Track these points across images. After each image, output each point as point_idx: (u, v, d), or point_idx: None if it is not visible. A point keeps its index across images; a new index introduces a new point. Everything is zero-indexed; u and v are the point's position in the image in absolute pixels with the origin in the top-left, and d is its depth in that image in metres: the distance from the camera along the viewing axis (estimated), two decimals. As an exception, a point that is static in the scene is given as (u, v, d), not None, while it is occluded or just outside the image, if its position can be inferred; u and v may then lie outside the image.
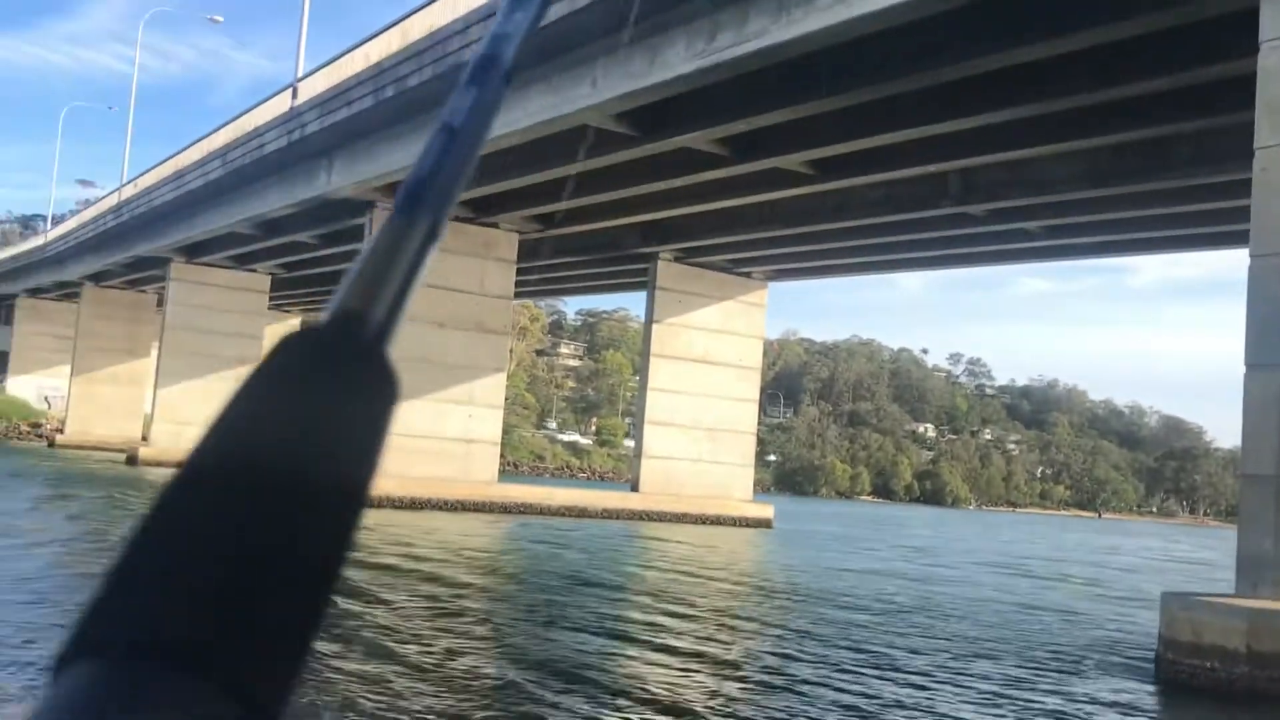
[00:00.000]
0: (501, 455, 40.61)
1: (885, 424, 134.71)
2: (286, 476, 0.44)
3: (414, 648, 11.64)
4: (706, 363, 42.47)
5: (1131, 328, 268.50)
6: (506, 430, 44.33)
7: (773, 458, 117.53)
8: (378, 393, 0.49)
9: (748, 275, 43.55)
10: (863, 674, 12.29)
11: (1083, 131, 22.35)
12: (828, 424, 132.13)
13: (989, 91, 20.80)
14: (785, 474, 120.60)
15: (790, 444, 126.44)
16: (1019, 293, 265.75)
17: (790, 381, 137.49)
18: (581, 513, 38.32)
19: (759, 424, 46.30)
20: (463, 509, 35.21)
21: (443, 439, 36.92)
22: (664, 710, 9.76)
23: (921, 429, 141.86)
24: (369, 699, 9.04)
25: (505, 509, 36.70)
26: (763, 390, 46.38)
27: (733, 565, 26.62)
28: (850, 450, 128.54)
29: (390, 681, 9.80)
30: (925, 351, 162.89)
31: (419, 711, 8.76)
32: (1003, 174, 26.96)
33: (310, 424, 0.46)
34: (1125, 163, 24.12)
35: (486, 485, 37.65)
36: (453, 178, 0.58)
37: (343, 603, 14.32)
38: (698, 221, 35.70)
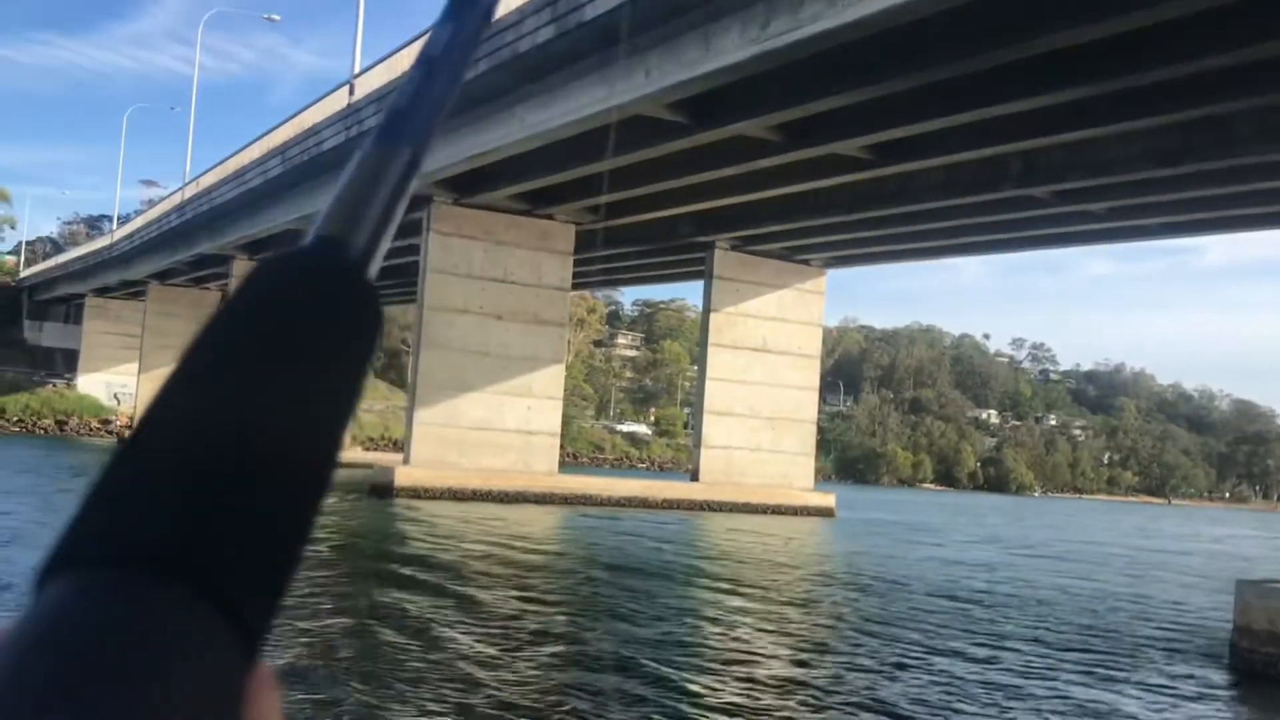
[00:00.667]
0: (561, 446, 40.69)
1: (947, 411, 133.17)
2: (275, 390, 0.45)
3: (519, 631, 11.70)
4: (765, 351, 42.21)
5: (1199, 309, 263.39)
6: (565, 421, 44.45)
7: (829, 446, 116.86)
8: (360, 312, 0.50)
9: (805, 262, 43.19)
10: (959, 660, 12.36)
11: (1145, 110, 21.81)
12: (889, 411, 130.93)
13: (1050, 72, 20.36)
14: (846, 462, 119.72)
15: (851, 432, 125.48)
16: (1083, 276, 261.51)
17: (850, 369, 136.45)
18: (642, 503, 38.30)
19: (819, 412, 45.93)
20: (523, 500, 35.33)
21: (503, 430, 37.10)
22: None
23: (985, 415, 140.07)
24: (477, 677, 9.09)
25: (566, 500, 36.78)
26: (822, 378, 46.00)
27: (804, 553, 26.49)
28: (912, 438, 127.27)
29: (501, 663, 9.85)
30: (987, 337, 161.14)
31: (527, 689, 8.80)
32: (1065, 155, 26.43)
33: (297, 339, 0.46)
34: (1189, 141, 23.54)
35: (546, 476, 37.76)
36: (432, 109, 0.58)
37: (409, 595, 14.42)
38: (754, 209, 35.43)
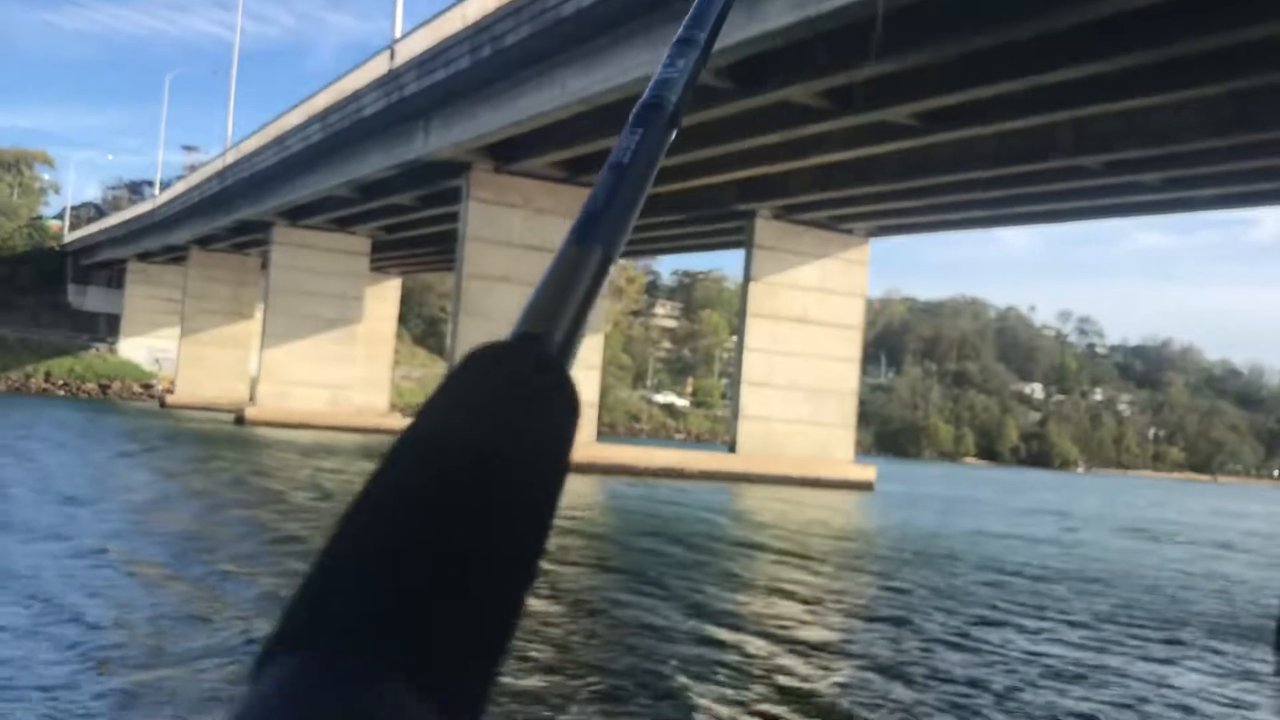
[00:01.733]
0: (598, 416, 40.45)
1: (991, 384, 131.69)
2: (483, 481, 0.45)
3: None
4: (806, 322, 41.67)
5: (1251, 284, 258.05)
6: (603, 391, 44.19)
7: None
8: (560, 404, 0.52)
9: (849, 232, 42.53)
10: (1029, 638, 12.17)
11: (1200, 79, 21.13)
12: (931, 384, 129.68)
13: (1104, 39, 19.73)
14: (886, 435, 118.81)
15: (892, 404, 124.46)
16: (1132, 248, 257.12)
17: (892, 341, 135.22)
18: (679, 474, 38.00)
19: (860, 384, 45.37)
20: (561, 470, 35.07)
21: (540, 400, 36.90)
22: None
23: (1029, 389, 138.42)
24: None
25: (604, 470, 36.56)
26: (864, 350, 45.40)
27: (848, 526, 26.12)
28: (954, 411, 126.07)
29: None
30: (1033, 309, 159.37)
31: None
32: (1118, 125, 25.72)
33: (503, 431, 0.48)
34: (1244, 110, 22.85)
35: (585, 446, 37.50)
36: (623, 211, 0.62)
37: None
38: (797, 177, 34.84)
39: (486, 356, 0.52)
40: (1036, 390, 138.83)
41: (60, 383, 69.79)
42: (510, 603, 0.43)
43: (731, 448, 41.07)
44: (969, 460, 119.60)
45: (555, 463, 0.49)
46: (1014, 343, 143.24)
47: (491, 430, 0.48)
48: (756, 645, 10.97)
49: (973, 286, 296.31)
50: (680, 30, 0.70)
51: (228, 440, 39.34)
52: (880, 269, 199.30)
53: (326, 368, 54.88)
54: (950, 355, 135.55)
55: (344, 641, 0.39)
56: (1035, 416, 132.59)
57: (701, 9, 0.71)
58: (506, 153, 34.95)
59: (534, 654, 9.45)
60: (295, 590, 0.41)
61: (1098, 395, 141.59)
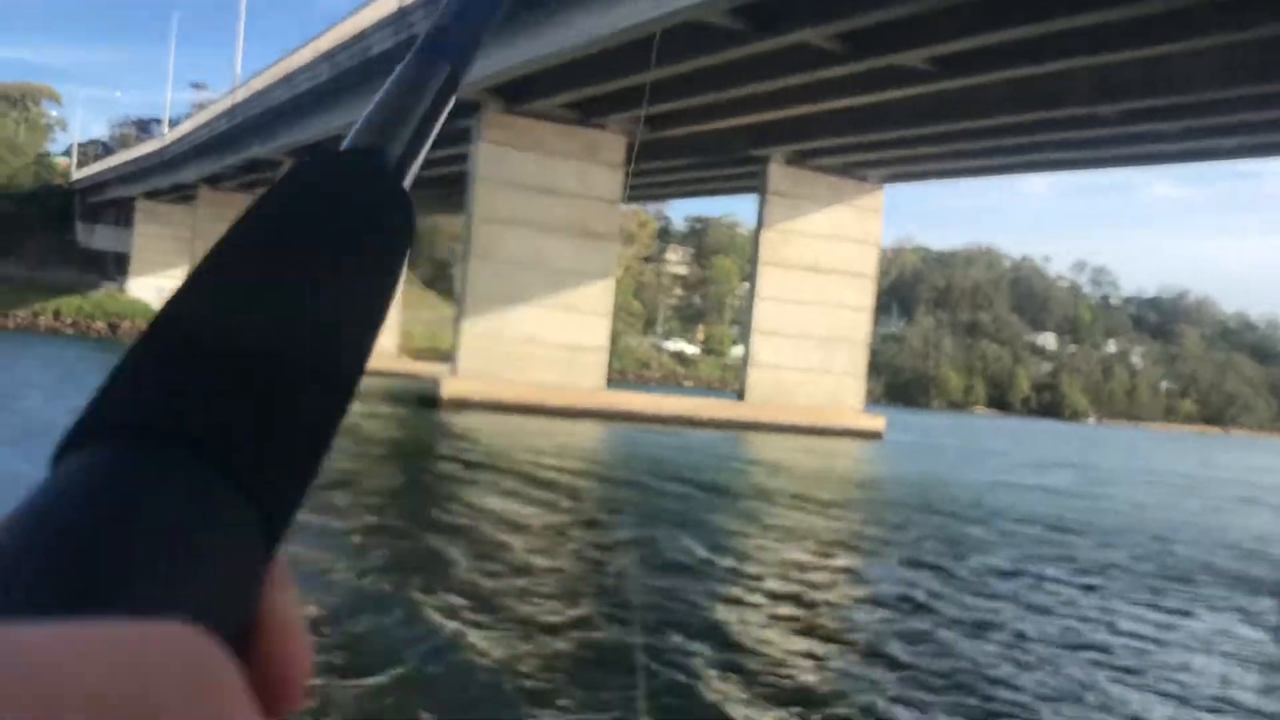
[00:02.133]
0: (608, 362, 40.32)
1: (1003, 335, 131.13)
2: (306, 285, 0.43)
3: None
4: (818, 270, 41.36)
5: (1269, 236, 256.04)
6: (613, 337, 43.98)
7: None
8: (395, 218, 0.49)
9: (863, 178, 42.06)
10: (1040, 584, 12.13)
11: (1221, 27, 20.67)
12: (943, 334, 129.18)
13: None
14: (897, 385, 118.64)
15: (903, 354, 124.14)
16: (1148, 199, 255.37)
17: (905, 290, 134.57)
18: (688, 421, 37.90)
19: (871, 334, 45.13)
20: (569, 415, 35.06)
21: (550, 345, 36.76)
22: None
23: (1041, 340, 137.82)
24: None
25: (611, 416, 36.48)
26: (876, 299, 45.10)
27: (858, 474, 26.06)
28: (965, 361, 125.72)
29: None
30: (1048, 259, 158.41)
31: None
32: (1135, 72, 25.28)
33: (331, 238, 0.45)
34: (1266, 60, 22.37)
35: (593, 392, 37.44)
36: (475, 28, 0.58)
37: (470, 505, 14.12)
38: (812, 122, 34.34)
39: (315, 165, 0.48)
40: (1049, 341, 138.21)
41: (69, 321, 69.89)
42: (327, 413, 0.41)
43: (741, 396, 40.97)
44: (979, 410, 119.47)
45: (383, 278, 0.47)
46: (1028, 293, 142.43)
47: (318, 238, 0.45)
48: (773, 585, 10.99)
49: (988, 235, 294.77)
50: None
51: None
52: (894, 217, 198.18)
53: (335, 309, 54.71)
54: (963, 305, 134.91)
55: (150, 430, 0.37)
56: (1047, 368, 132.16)
57: None
58: (517, 93, 34.49)
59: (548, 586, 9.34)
60: (101, 382, 0.38)
61: (1111, 347, 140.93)
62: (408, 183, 0.51)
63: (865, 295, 43.54)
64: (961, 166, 39.70)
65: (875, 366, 66.75)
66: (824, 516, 17.23)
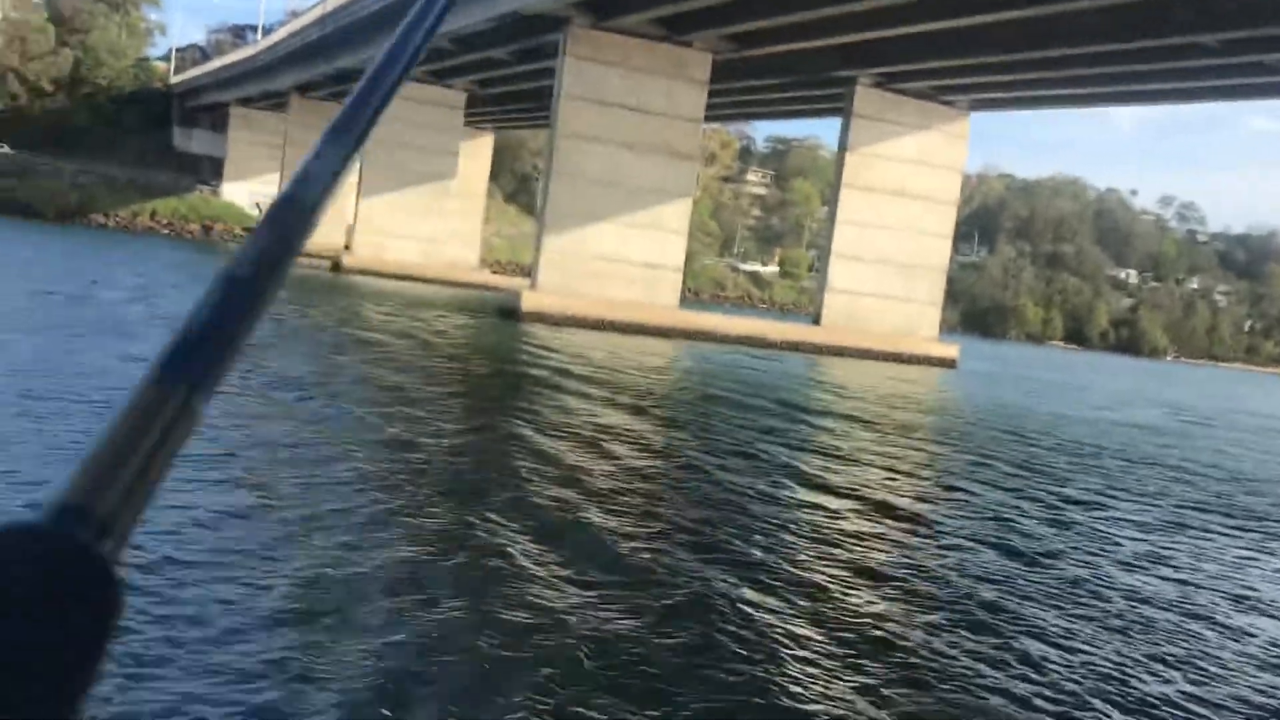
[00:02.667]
0: (683, 282, 40.78)
1: (1085, 268, 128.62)
2: None
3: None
4: (900, 195, 41.23)
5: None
6: (689, 257, 44.28)
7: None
8: (93, 612, 0.42)
9: (950, 104, 41.62)
10: (1114, 519, 12.21)
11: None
12: (1023, 264, 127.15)
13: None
14: (974, 314, 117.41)
15: (981, 283, 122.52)
16: (1243, 133, 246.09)
17: (986, 219, 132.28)
18: (761, 342, 38.36)
19: (950, 262, 44.96)
20: (643, 332, 35.71)
21: (628, 262, 37.30)
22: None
23: (1123, 275, 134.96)
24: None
25: (686, 334, 37.04)
26: (957, 226, 44.83)
27: (935, 401, 26.36)
28: (1044, 293, 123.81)
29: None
30: (1134, 193, 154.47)
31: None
32: (1236, 1, 24.67)
33: (11, 635, 0.40)
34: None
35: (668, 310, 38.00)
36: (222, 348, 0.51)
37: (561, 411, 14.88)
38: (901, 45, 34.04)
39: (5, 539, 0.42)
40: (1131, 276, 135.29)
41: (165, 222, 71.81)
42: None
43: (816, 319, 41.24)
44: (1055, 343, 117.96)
45: (77, 677, 0.41)
46: (1112, 226, 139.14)
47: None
48: (850, 509, 11.30)
49: (1074, 166, 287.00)
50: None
51: (329, 288, 40.46)
52: (979, 144, 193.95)
53: (420, 221, 55.80)
54: (1045, 236, 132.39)
55: None
56: (1127, 303, 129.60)
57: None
58: (605, 8, 34.59)
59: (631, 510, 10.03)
60: None
61: (1194, 284, 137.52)
62: (123, 550, 0.45)
63: (946, 222, 43.35)
64: (1052, 95, 39.09)
65: (952, 294, 66.35)
66: (895, 443, 17.50)
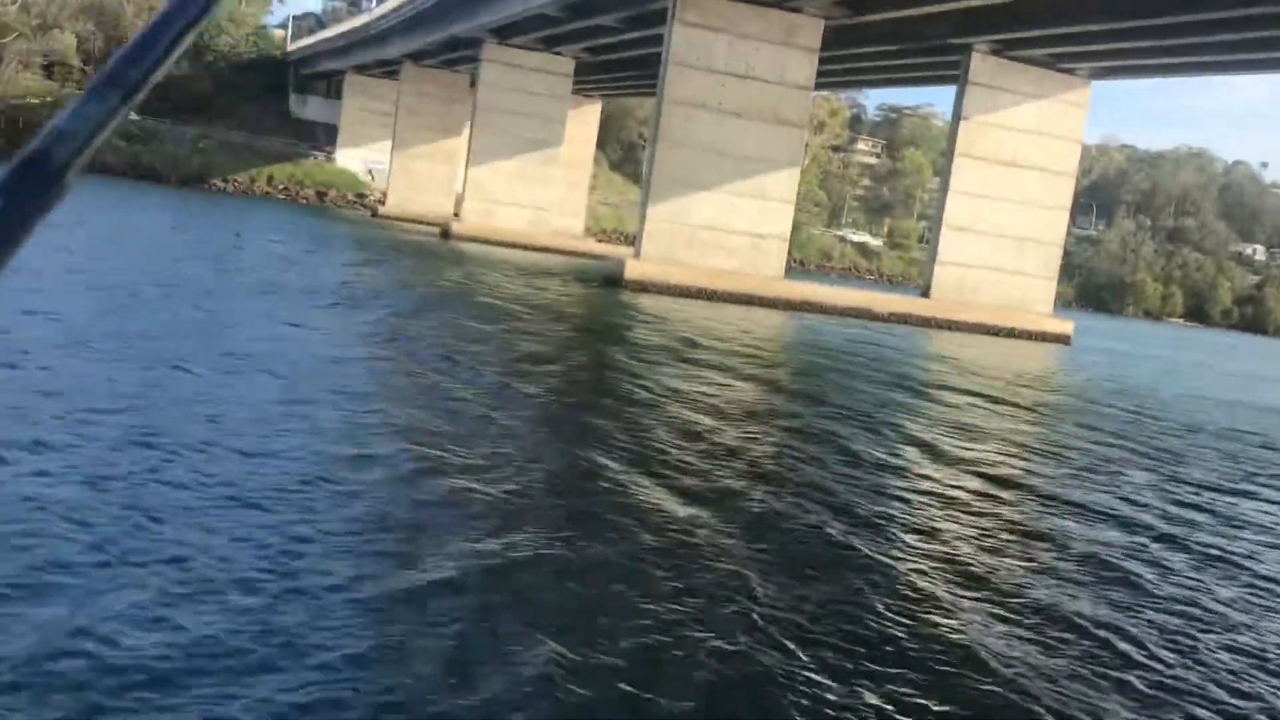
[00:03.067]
0: (788, 252, 40.34)
1: (1208, 243, 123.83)
2: None
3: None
4: (1015, 165, 40.14)
5: None
6: (795, 227, 43.80)
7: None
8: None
9: (1070, 72, 40.31)
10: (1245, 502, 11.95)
11: None
12: (1143, 239, 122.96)
13: None
14: (1090, 289, 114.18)
15: (1098, 258, 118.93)
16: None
17: (1106, 191, 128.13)
18: (868, 314, 37.82)
19: (1066, 235, 43.69)
20: (747, 302, 35.48)
21: (732, 232, 37.05)
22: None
23: (1249, 251, 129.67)
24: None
25: (790, 305, 36.72)
26: (1074, 199, 43.50)
27: (1049, 378, 25.77)
28: (1165, 269, 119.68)
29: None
30: (1265, 165, 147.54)
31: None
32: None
33: None
34: None
35: (773, 280, 37.67)
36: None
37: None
38: (1019, 11, 33.05)
39: None
40: (1258, 252, 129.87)
41: (281, 187, 73.49)
42: None
43: (925, 292, 40.49)
44: (1174, 320, 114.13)
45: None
46: (1239, 200, 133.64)
47: None
48: (975, 485, 11.22)
49: (1200, 138, 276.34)
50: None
51: (443, 255, 40.99)
52: (1099, 113, 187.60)
53: (528, 188, 56.17)
54: (1167, 210, 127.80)
55: None
56: (1253, 280, 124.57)
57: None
58: (716, -25, 34.21)
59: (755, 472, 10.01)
60: None
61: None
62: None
63: (1063, 194, 42.11)
64: (1177, 62, 37.58)
65: (1068, 269, 64.54)
66: (1011, 419, 17.27)
